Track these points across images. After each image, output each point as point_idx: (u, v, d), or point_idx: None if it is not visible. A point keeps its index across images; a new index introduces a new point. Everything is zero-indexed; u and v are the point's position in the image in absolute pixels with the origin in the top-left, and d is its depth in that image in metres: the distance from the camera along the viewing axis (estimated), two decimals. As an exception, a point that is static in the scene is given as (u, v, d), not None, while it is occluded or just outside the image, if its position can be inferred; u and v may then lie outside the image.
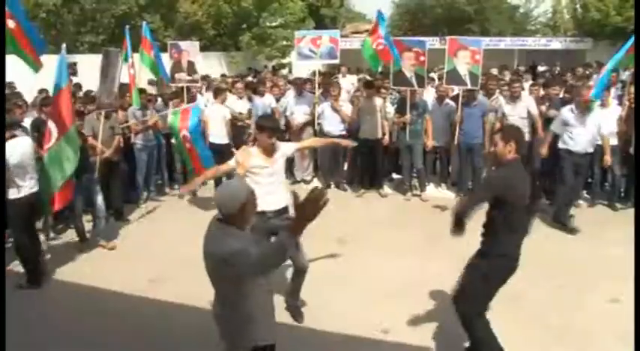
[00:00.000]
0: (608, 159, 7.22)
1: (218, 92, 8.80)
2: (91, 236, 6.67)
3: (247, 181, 4.47)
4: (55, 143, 5.71)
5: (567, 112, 7.11)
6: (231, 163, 4.66)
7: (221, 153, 7.81)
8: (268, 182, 4.55)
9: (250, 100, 9.36)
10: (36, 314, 4.85)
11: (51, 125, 5.75)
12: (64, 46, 6.16)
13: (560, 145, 7.16)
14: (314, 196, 2.42)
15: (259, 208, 3.88)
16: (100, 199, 6.59)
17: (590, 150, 7.13)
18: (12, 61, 6.01)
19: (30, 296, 5.20)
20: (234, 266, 2.65)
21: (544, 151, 7.52)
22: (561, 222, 7.01)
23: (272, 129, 4.60)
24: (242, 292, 2.83)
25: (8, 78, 7.86)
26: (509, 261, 3.86)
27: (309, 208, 2.44)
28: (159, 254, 6.27)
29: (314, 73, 10.22)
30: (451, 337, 4.42)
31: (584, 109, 7.00)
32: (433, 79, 11.24)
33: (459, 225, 3.74)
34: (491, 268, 3.85)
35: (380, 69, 9.94)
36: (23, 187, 5.31)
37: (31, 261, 5.51)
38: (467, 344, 4.18)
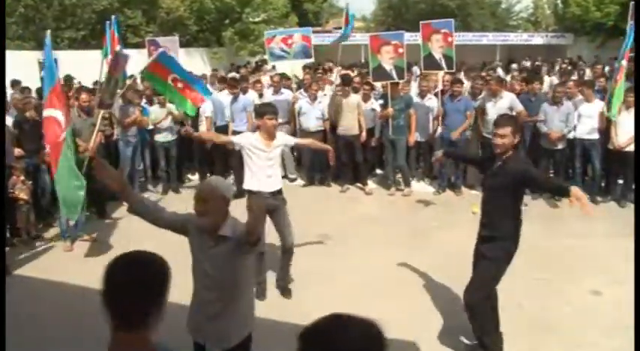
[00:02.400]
0: None
1: None
2: (72, 233, 6.61)
3: (245, 159, 4.92)
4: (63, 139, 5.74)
5: None
6: (232, 138, 5.17)
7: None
8: (266, 165, 4.91)
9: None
10: (26, 314, 4.78)
11: (57, 115, 5.68)
12: (47, 38, 6.18)
13: None
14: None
15: (259, 189, 4.73)
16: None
17: None
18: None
19: (16, 294, 5.13)
20: None
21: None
22: None
23: (274, 112, 4.94)
24: None
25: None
26: (516, 245, 4.00)
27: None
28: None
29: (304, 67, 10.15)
30: (438, 330, 4.47)
31: None
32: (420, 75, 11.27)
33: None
34: (502, 252, 3.95)
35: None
36: None
37: None
38: (466, 341, 4.24)
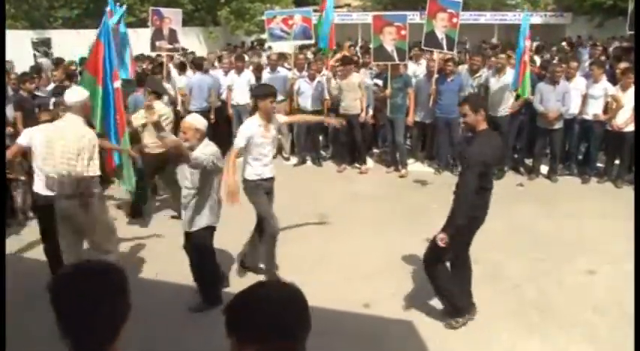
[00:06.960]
0: None
1: (199, 64, 9.43)
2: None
3: (249, 149, 4.72)
4: None
5: None
6: (239, 140, 4.73)
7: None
8: (269, 151, 4.89)
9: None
10: (24, 295, 4.78)
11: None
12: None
13: None
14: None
15: (265, 176, 4.73)
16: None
17: None
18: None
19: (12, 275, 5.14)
20: None
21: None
22: None
23: (275, 94, 4.87)
24: None
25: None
26: (477, 221, 4.06)
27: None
28: (137, 233, 6.25)
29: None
30: (431, 310, 4.50)
31: None
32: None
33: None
34: (453, 224, 3.98)
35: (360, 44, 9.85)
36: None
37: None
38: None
